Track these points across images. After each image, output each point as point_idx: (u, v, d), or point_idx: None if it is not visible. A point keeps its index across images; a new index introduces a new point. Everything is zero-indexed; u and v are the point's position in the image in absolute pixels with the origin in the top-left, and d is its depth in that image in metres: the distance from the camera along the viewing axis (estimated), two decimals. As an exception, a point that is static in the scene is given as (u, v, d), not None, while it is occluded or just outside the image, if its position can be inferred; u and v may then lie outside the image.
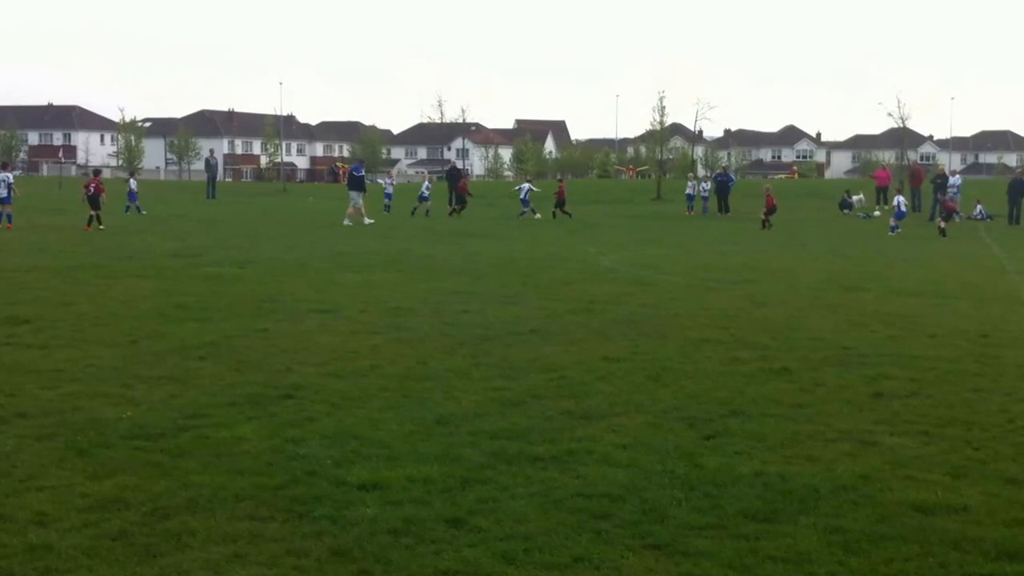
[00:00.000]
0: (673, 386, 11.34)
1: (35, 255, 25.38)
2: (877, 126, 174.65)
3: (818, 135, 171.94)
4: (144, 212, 43.61)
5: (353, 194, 39.65)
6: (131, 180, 47.71)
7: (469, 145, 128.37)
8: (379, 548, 6.59)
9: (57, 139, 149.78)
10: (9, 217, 35.24)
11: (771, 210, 41.27)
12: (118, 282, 19.95)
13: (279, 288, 19.36)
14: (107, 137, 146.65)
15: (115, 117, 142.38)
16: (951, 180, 48.62)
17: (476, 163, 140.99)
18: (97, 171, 47.18)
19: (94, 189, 35.81)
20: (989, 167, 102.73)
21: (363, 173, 41.89)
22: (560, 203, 45.58)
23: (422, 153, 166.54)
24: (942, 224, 37.56)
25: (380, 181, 61.11)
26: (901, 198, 39.70)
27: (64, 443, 8.77)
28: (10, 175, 39.89)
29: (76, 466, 8.18)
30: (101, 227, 34.47)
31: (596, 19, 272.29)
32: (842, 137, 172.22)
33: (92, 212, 34.97)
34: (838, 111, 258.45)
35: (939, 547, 6.73)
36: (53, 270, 21.89)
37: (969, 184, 54.60)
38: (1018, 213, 45.72)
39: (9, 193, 35.64)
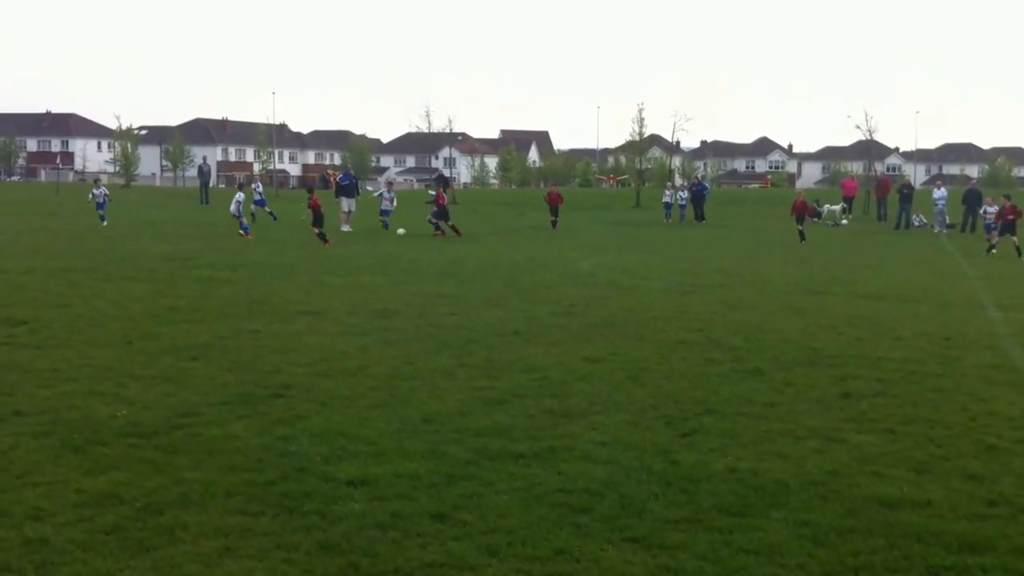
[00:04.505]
0: (650, 386, 11.59)
1: (32, 257, 25.52)
2: (846, 138, 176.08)
3: (790, 146, 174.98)
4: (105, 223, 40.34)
5: (344, 201, 39.81)
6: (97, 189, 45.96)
7: (456, 154, 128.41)
8: (367, 542, 6.76)
9: (55, 146, 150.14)
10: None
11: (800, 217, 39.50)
12: (112, 284, 20.14)
13: (269, 291, 19.55)
14: (104, 144, 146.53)
15: (112, 125, 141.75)
16: (937, 193, 48.89)
17: (463, 171, 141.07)
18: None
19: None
20: (952, 178, 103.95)
21: (352, 182, 41.83)
22: (554, 209, 45.01)
23: (411, 161, 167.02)
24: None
25: (377, 192, 51.94)
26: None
27: (60, 440, 8.94)
28: (105, 189, 41.34)
29: (71, 463, 8.34)
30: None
31: (580, 33, 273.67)
32: (813, 148, 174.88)
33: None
34: (809, 123, 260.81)
35: (904, 540, 6.95)
36: (49, 272, 22.05)
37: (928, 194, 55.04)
38: (973, 221, 45.99)
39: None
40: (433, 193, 39.74)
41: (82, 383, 11.20)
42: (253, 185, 46.70)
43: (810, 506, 7.59)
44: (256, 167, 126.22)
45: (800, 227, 38.60)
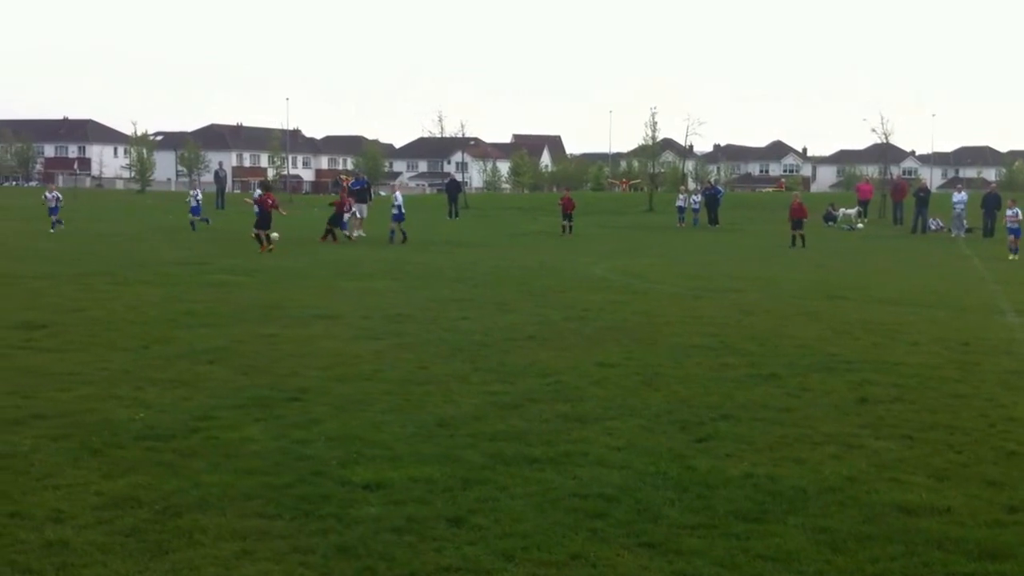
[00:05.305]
0: (665, 391, 11.59)
1: (49, 263, 25.65)
2: (861, 141, 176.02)
3: (804, 150, 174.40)
4: (61, 226, 39.74)
5: (357, 206, 39.75)
6: (195, 191, 45.17)
7: (468, 159, 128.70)
8: (383, 545, 6.78)
9: (72, 152, 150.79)
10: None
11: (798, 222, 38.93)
12: (129, 289, 20.23)
13: (284, 295, 19.61)
14: (120, 150, 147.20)
15: (127, 130, 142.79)
16: (956, 197, 48.73)
17: (475, 176, 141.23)
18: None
19: None
20: (968, 182, 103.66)
21: (364, 186, 41.72)
22: (567, 215, 44.51)
23: (423, 166, 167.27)
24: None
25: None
26: (1018, 210, 34.94)
27: (79, 443, 8.98)
28: (58, 193, 40.65)
29: (90, 465, 8.39)
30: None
31: (591, 37, 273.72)
32: (827, 152, 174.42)
33: None
34: (824, 127, 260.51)
35: (923, 547, 6.93)
36: (67, 277, 22.18)
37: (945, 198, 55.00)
38: (992, 225, 45.86)
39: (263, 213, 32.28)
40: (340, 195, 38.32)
41: (100, 386, 11.26)
42: (192, 192, 44.73)
43: (828, 512, 7.58)
44: (270, 172, 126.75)
45: (797, 232, 38.08)
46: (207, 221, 43.54)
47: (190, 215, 43.10)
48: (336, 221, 36.91)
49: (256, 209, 32.04)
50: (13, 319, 15.78)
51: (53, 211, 40.20)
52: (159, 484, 7.92)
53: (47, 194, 41.66)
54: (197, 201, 44.04)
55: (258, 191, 34.88)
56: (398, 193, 37.53)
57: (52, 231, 38.58)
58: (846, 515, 7.52)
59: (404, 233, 35.75)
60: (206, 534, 6.92)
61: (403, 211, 36.61)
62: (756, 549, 6.84)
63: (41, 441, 9.05)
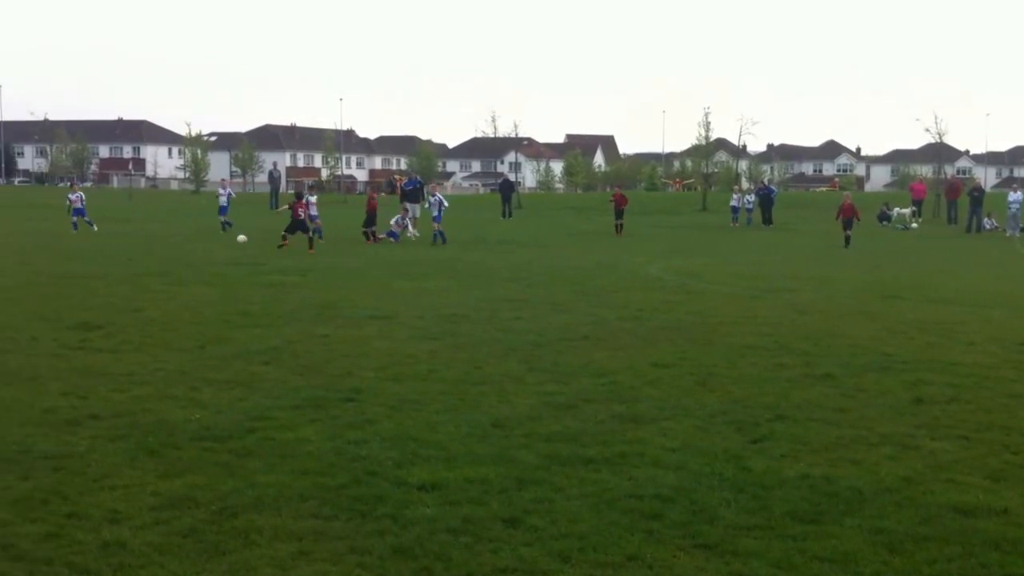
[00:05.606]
0: (720, 391, 11.53)
1: (105, 263, 25.94)
2: (915, 141, 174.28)
3: (858, 149, 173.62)
4: (94, 228, 39.68)
5: (410, 206, 39.84)
6: (223, 190, 44.89)
7: (521, 159, 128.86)
8: (439, 546, 6.78)
9: (127, 152, 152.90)
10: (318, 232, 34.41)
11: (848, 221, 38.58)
12: (184, 289, 20.42)
13: (338, 295, 19.70)
14: (174, 150, 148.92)
15: (182, 131, 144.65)
16: (1012, 196, 48.17)
17: (528, 176, 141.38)
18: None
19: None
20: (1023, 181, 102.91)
21: (417, 187, 41.86)
22: (619, 212, 44.23)
23: (476, 166, 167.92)
24: None
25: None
26: None
27: (135, 443, 9.06)
28: (81, 193, 40.40)
29: (147, 466, 8.45)
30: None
31: (646, 37, 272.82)
32: (881, 151, 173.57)
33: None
34: (877, 126, 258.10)
35: (980, 548, 6.86)
36: (122, 277, 22.41)
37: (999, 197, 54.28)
38: None
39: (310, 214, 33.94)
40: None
41: (156, 387, 11.36)
42: (72, 196, 41.63)
43: (884, 513, 7.51)
44: (324, 172, 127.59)
45: (847, 232, 37.80)
46: (229, 224, 42.41)
47: (220, 216, 42.69)
48: (372, 224, 36.77)
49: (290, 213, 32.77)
50: (70, 319, 15.96)
51: (79, 212, 40.12)
52: (215, 484, 7.96)
53: (70, 195, 41.53)
54: (228, 199, 43.88)
55: (311, 196, 35.50)
56: (438, 194, 37.54)
57: (75, 231, 38.52)
58: (903, 516, 7.46)
59: (443, 234, 35.74)
60: (262, 535, 6.95)
61: (442, 211, 36.54)
62: (813, 550, 6.79)
63: (98, 442, 9.14)
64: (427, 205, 37.47)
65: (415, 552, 6.69)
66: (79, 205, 40.42)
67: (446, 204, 37.23)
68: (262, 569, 6.42)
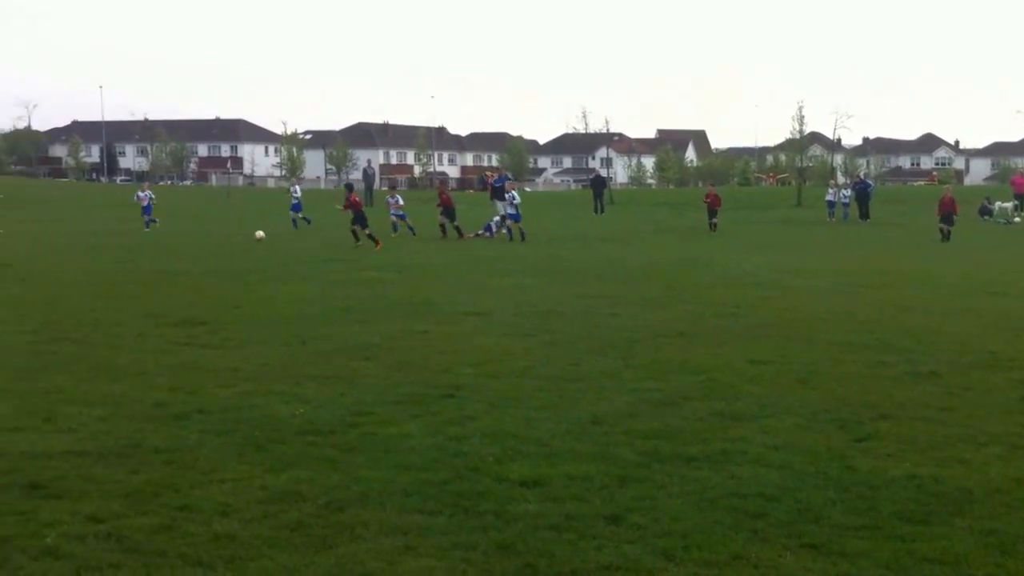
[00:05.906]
0: (821, 389, 11.37)
1: (208, 260, 26.46)
2: (1016, 133, 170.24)
3: (956, 143, 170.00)
4: (156, 224, 40.52)
5: (499, 203, 39.95)
6: (294, 187, 46.67)
7: (612, 154, 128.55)
8: (542, 543, 6.78)
9: (224, 151, 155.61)
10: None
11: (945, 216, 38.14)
12: (284, 286, 20.74)
13: (434, 292, 19.84)
14: (270, 149, 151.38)
15: (278, 130, 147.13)
16: None
17: (619, 171, 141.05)
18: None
19: None
20: None
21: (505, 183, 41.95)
22: (712, 211, 43.68)
23: (567, 162, 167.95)
24: None
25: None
26: None
27: (242, 438, 9.19)
28: (151, 192, 40.92)
29: (254, 460, 8.57)
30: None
31: (737, 32, 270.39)
32: (981, 144, 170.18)
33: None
34: (977, 119, 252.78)
35: (1097, 551, 6.67)
36: (225, 274, 22.84)
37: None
38: None
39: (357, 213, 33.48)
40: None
41: (260, 382, 11.52)
42: (141, 195, 41.91)
43: (996, 514, 7.35)
44: (416, 169, 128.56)
45: (947, 226, 37.00)
46: (305, 221, 43.41)
47: (291, 212, 43.30)
48: (452, 218, 37.04)
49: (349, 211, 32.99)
50: (176, 316, 16.30)
51: (147, 210, 40.44)
52: (321, 479, 8.04)
53: (139, 193, 41.86)
54: (297, 198, 44.33)
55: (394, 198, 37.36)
56: (514, 192, 37.57)
57: (147, 230, 38.96)
58: (1015, 517, 7.29)
59: (523, 232, 35.70)
60: (368, 529, 7.00)
61: (519, 210, 36.53)
62: (922, 552, 6.67)
63: (206, 436, 9.28)
64: (507, 206, 37.23)
65: (519, 548, 6.70)
66: (146, 203, 40.73)
67: (517, 199, 37.18)
68: (369, 563, 6.47)
